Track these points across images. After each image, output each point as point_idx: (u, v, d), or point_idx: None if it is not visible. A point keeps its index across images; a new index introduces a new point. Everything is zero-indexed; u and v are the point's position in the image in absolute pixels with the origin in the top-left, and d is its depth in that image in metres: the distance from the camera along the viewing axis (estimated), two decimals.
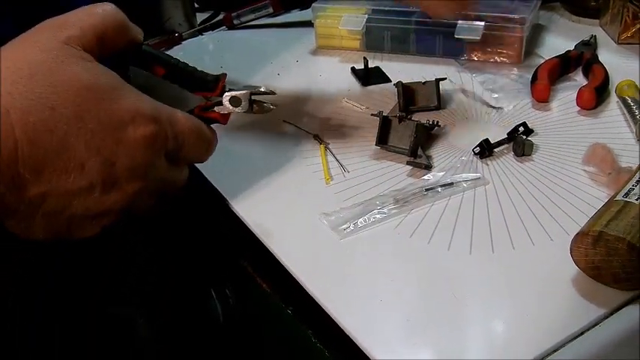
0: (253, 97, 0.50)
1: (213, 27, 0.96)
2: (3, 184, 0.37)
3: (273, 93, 0.51)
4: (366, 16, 0.81)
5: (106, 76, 0.41)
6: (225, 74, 0.50)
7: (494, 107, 0.67)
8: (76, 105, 0.39)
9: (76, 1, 0.51)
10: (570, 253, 0.43)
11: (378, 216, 0.52)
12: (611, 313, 0.41)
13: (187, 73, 0.49)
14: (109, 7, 0.44)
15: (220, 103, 0.49)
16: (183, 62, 0.49)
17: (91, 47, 0.42)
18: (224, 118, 0.50)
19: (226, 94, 0.49)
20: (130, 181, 0.42)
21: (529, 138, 0.59)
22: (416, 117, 0.63)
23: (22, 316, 0.52)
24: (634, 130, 0.60)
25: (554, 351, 0.39)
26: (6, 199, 0.37)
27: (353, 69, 0.77)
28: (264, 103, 0.51)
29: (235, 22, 0.96)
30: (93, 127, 0.39)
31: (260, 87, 0.51)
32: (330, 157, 0.61)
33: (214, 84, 0.49)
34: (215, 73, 0.50)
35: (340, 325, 0.43)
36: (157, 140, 0.42)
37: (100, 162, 0.40)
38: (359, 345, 0.41)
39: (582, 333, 0.40)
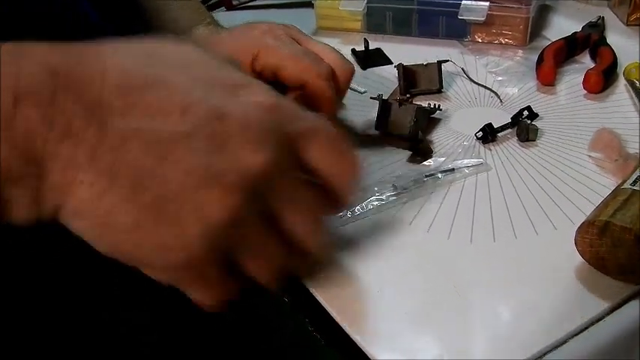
0: None
1: (212, 7, 0.94)
2: (80, 113, 0.29)
3: None
4: None
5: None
6: None
7: (496, 92, 0.66)
8: (181, 59, 0.33)
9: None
10: (575, 243, 0.42)
11: (375, 203, 0.50)
12: (616, 307, 0.40)
13: None
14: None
15: None
16: None
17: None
18: None
19: None
20: (245, 144, 0.31)
21: (533, 122, 0.58)
22: (417, 100, 0.62)
23: (25, 318, 0.51)
24: None
25: (557, 346, 0.38)
26: (87, 134, 0.29)
27: (353, 50, 0.76)
28: None
29: (234, 2, 0.95)
30: (200, 73, 0.33)
31: None
32: None
33: None
34: None
35: (333, 317, 0.42)
36: (277, 111, 0.33)
37: (207, 107, 0.31)
38: (354, 340, 0.40)
39: (587, 327, 0.39)
